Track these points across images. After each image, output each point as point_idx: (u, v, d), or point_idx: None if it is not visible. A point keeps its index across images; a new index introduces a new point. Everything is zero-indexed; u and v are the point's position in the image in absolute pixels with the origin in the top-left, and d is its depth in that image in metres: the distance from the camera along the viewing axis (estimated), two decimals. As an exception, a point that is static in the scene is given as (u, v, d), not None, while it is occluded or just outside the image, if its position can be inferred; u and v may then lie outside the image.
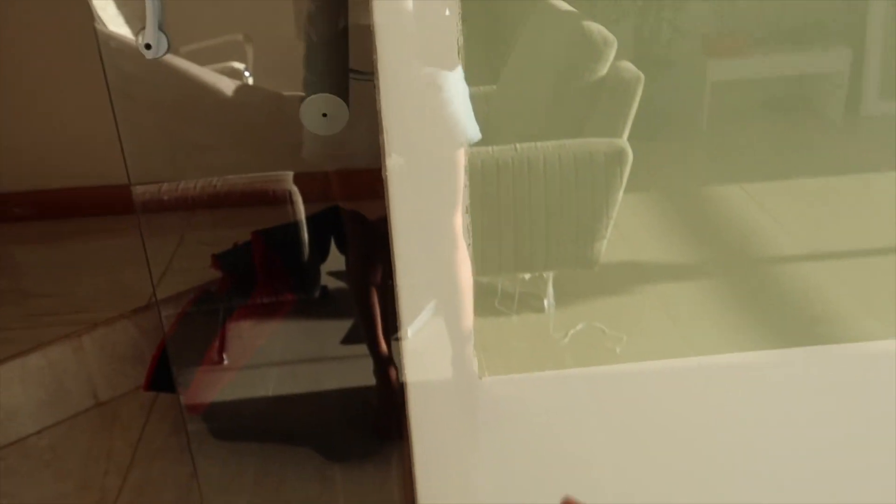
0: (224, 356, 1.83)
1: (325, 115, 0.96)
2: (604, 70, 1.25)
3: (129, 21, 1.33)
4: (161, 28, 0.96)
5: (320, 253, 1.89)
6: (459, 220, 0.89)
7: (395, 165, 0.83)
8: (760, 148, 1.96)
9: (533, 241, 1.33)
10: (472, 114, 0.90)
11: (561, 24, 1.42)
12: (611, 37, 1.23)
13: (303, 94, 0.96)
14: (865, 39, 2.14)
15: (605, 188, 1.27)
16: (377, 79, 0.80)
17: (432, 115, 0.85)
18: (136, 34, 0.97)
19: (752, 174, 1.89)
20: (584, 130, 1.31)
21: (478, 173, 1.17)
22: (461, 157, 0.88)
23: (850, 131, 2.16)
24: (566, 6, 1.37)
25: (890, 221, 1.65)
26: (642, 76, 1.21)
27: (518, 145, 1.27)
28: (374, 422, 1.79)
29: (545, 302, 1.37)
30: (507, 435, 0.99)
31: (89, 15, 1.41)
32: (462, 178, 0.88)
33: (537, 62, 1.41)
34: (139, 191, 1.56)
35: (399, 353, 0.94)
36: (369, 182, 0.96)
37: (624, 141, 1.27)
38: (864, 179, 1.91)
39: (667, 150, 1.90)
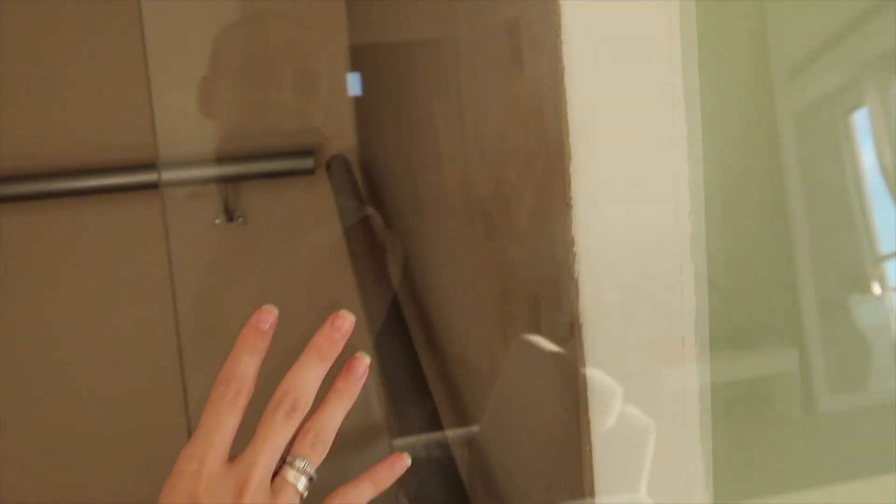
0: None
1: None
2: (612, 422, 1.11)
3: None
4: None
5: None
6: None
7: None
8: (723, 455, 1.83)
9: None
10: None
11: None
12: (617, 386, 1.11)
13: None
14: (805, 336, 2.18)
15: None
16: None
17: None
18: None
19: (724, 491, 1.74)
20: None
21: None
22: None
23: (810, 429, 2.12)
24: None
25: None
26: (653, 425, 1.08)
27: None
28: None
29: None
30: None
31: None
32: None
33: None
34: None
35: None
36: None
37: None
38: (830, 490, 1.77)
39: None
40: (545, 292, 0.89)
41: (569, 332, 0.79)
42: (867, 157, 2.44)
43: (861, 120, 2.51)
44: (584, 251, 0.73)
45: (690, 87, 0.75)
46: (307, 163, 1.95)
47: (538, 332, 0.96)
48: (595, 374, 0.97)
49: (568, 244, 0.73)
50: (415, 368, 1.07)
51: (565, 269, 0.76)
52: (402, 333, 1.10)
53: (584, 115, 0.71)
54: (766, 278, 2.20)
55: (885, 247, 2.47)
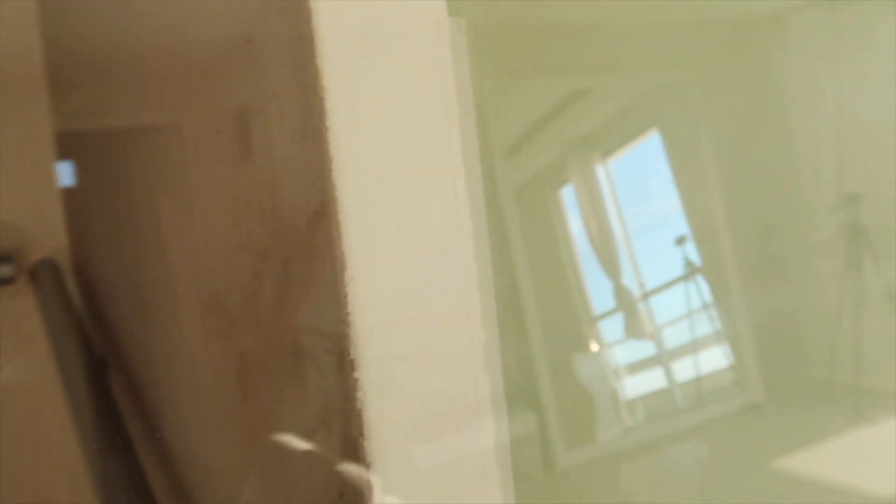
0: None
1: None
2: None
3: None
4: None
5: None
6: None
7: None
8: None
9: None
10: None
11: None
12: (372, 477, 1.07)
13: None
14: (541, 399, 2.31)
15: None
16: None
17: None
18: None
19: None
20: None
21: None
22: None
23: (550, 486, 2.23)
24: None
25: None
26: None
27: None
28: None
29: None
30: None
31: None
32: None
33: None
34: None
35: None
36: None
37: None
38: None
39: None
40: (292, 390, 0.84)
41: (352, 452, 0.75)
42: (576, 228, 2.69)
43: (568, 194, 2.78)
44: (368, 379, 0.69)
45: (472, 177, 0.75)
46: (4, 270, 1.71)
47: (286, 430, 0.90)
48: (348, 469, 0.92)
49: (347, 373, 0.69)
50: (141, 488, 0.96)
51: (343, 398, 0.72)
52: (128, 454, 0.99)
53: (357, 216, 0.68)
54: (506, 346, 2.31)
55: (597, 308, 2.72)
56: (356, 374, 0.66)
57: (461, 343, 0.75)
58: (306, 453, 0.86)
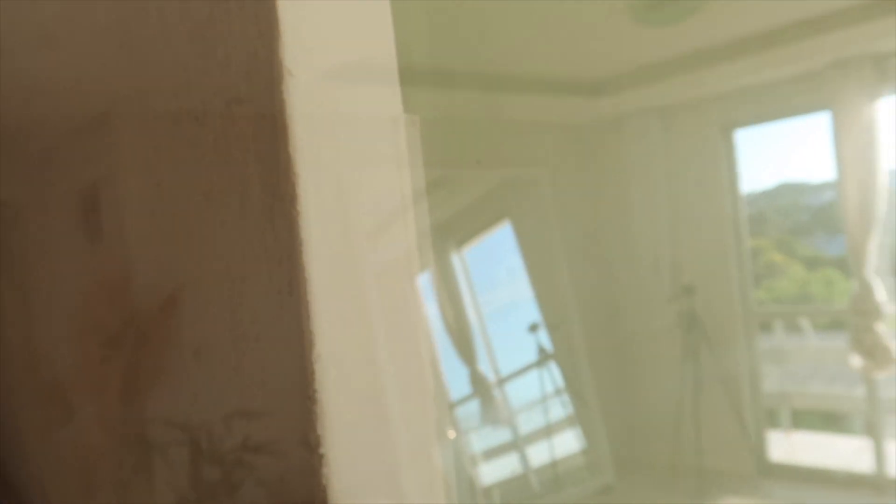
0: None
1: None
2: None
3: None
4: None
5: None
6: None
7: None
8: None
9: None
10: None
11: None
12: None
13: None
14: (402, 487, 2.25)
15: None
16: None
17: None
18: None
19: None
20: None
21: None
22: None
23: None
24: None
25: None
26: None
27: None
28: None
29: None
30: None
31: None
32: None
33: None
34: None
35: None
36: None
37: None
38: None
39: None
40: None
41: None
42: (432, 314, 2.72)
43: (426, 282, 2.81)
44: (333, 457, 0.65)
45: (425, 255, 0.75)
46: None
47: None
48: None
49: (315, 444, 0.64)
50: None
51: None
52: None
53: (327, 291, 0.66)
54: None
55: (454, 394, 2.73)
56: (325, 468, 0.62)
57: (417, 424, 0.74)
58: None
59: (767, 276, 4.76)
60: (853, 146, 2.28)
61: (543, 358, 2.68)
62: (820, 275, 4.53)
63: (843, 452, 2.66)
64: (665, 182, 2.71)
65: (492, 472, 2.58)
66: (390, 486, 0.71)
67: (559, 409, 2.68)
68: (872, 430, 2.39)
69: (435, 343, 2.69)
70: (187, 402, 0.77)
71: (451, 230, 2.72)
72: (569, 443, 2.68)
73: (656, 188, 2.73)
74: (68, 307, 0.94)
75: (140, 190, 0.72)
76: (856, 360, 2.27)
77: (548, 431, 2.65)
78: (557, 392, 2.68)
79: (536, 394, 2.67)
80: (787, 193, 5.02)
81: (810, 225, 4.67)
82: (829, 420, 3.69)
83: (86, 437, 0.86)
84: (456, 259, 2.72)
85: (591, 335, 2.75)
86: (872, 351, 2.24)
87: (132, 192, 0.74)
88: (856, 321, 2.28)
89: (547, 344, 2.70)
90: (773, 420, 2.92)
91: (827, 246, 2.44)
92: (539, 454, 2.63)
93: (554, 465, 2.63)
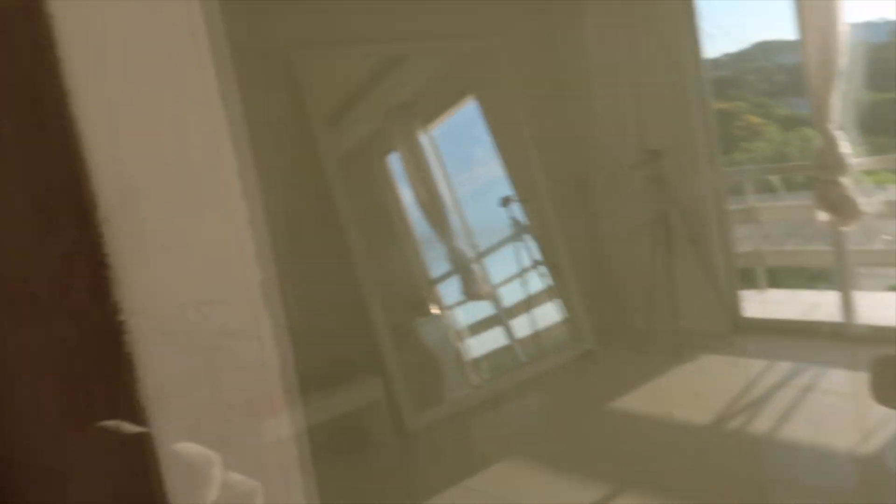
0: None
1: None
2: (214, 494, 1.04)
3: None
4: None
5: None
6: None
7: None
8: (335, 495, 1.87)
9: None
10: None
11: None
12: (213, 454, 1.04)
13: None
14: (385, 363, 2.31)
15: None
16: None
17: None
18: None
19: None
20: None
21: None
22: None
23: (405, 449, 2.25)
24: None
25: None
26: (259, 487, 1.04)
27: None
28: None
29: None
30: None
31: None
32: None
33: None
34: None
35: None
36: None
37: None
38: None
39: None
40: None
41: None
42: (406, 194, 2.72)
43: (395, 161, 2.79)
44: (140, 322, 0.66)
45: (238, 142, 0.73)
46: None
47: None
48: (187, 449, 0.90)
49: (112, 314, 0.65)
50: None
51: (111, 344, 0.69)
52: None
53: (132, 175, 0.65)
54: (341, 315, 2.31)
55: (434, 271, 2.77)
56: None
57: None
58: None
59: (745, 138, 4.75)
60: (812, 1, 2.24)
61: (518, 230, 2.70)
62: (797, 134, 4.52)
63: (815, 305, 2.75)
64: (627, 49, 2.66)
65: (477, 346, 2.64)
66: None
67: (537, 280, 2.72)
68: (840, 283, 2.45)
69: (409, 222, 2.69)
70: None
71: (414, 109, 2.66)
72: (549, 313, 2.73)
73: (618, 55, 2.68)
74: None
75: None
76: (822, 215, 2.29)
77: (528, 303, 2.70)
78: (535, 264, 2.71)
79: (514, 267, 2.70)
80: (762, 54, 4.95)
81: (787, 85, 4.62)
82: (801, 276, 3.78)
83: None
84: (424, 139, 2.68)
85: (563, 204, 2.76)
86: (837, 205, 2.26)
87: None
88: (820, 175, 2.28)
89: (520, 216, 2.71)
90: (747, 279, 2.99)
91: (805, 105, 2.43)
92: (522, 325, 2.69)
93: (537, 334, 2.69)
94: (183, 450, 1.01)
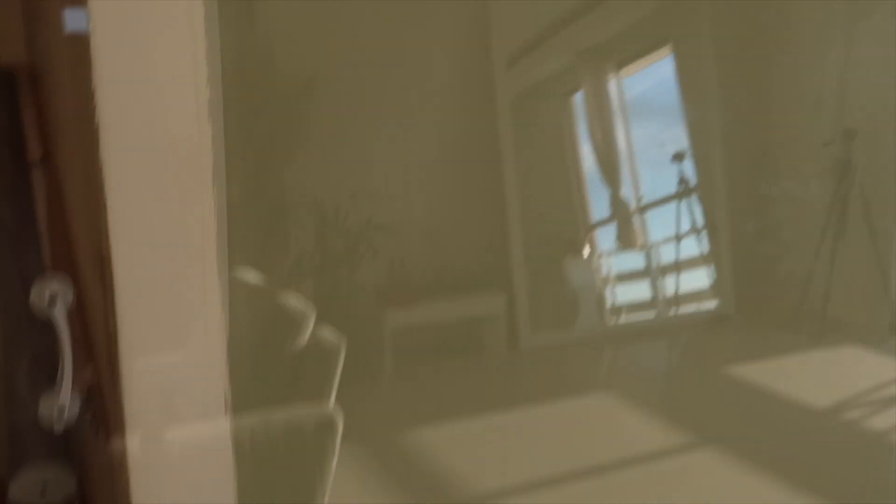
0: None
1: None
2: (303, 340, 1.25)
3: None
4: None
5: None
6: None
7: None
8: (442, 390, 2.07)
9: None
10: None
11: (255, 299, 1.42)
12: (309, 309, 1.25)
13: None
14: (513, 284, 2.46)
15: (317, 461, 1.22)
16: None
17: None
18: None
19: (440, 415, 1.98)
20: (290, 398, 1.28)
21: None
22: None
23: (513, 365, 2.41)
24: (257, 280, 1.38)
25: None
26: (343, 343, 1.23)
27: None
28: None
29: None
30: None
31: None
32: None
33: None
34: None
35: None
36: None
37: (332, 408, 1.25)
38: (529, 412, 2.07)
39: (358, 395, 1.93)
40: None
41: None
42: (581, 136, 2.79)
43: (577, 102, 2.86)
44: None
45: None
46: None
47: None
48: (290, 298, 1.06)
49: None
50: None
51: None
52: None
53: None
54: (488, 232, 2.47)
55: (596, 214, 2.84)
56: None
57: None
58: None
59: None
60: None
61: (685, 189, 2.68)
62: None
63: None
64: (841, 25, 2.51)
65: (619, 294, 2.69)
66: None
67: (693, 243, 2.70)
68: None
69: (582, 163, 2.76)
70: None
71: (609, 52, 2.69)
72: (699, 277, 2.71)
73: (830, 31, 2.54)
74: None
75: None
76: None
77: (679, 264, 2.70)
78: (693, 221, 2.69)
79: (673, 225, 2.70)
80: None
81: None
82: None
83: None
84: (613, 84, 2.71)
85: (738, 171, 2.69)
86: None
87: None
88: None
89: (691, 175, 2.69)
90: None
91: None
92: (667, 285, 2.69)
93: (680, 296, 2.69)
94: (286, 299, 1.25)
